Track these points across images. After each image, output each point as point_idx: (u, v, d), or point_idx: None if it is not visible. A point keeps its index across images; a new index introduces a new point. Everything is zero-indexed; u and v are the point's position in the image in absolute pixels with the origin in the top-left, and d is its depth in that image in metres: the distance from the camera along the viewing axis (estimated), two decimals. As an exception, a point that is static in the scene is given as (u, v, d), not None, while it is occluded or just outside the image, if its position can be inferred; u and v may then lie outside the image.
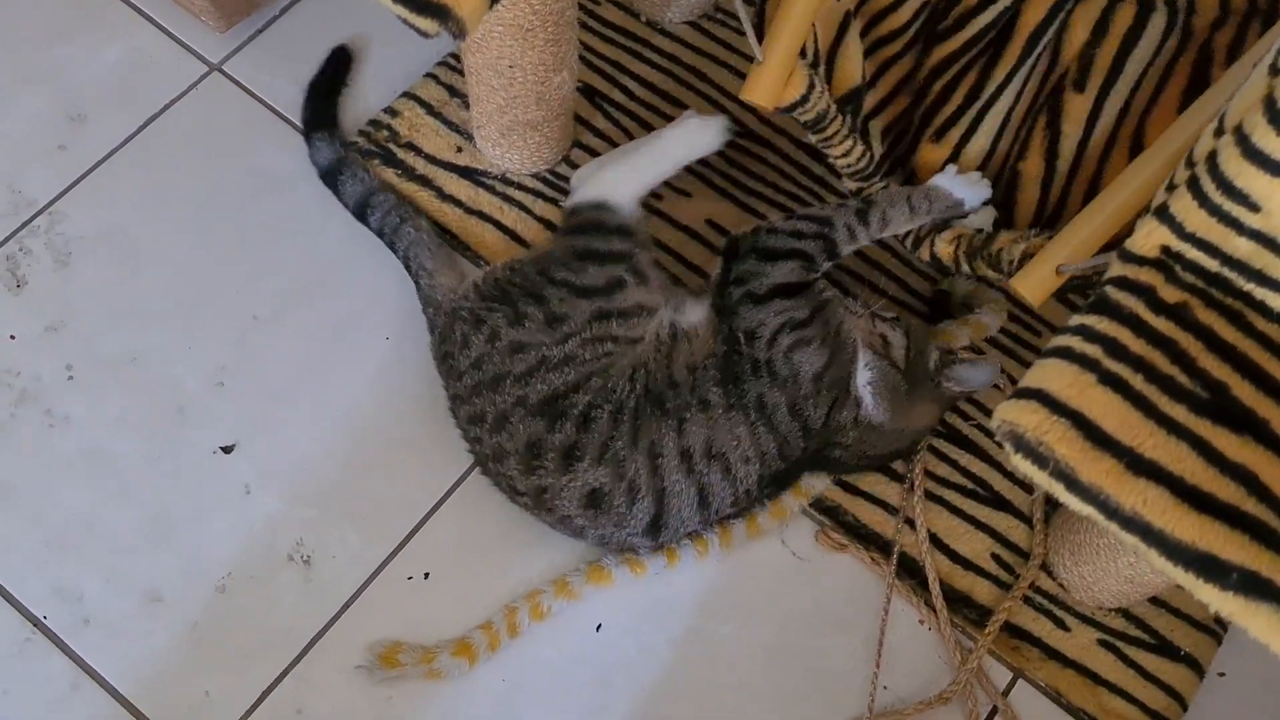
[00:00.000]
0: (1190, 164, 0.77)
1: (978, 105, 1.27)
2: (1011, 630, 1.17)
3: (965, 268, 1.15)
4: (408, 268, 1.25)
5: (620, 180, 1.19)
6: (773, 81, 1.04)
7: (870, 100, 1.24)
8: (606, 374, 1.10)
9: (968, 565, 1.20)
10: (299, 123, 1.37)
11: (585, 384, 1.09)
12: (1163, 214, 0.79)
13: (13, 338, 1.26)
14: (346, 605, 1.15)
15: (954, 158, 1.27)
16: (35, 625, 1.12)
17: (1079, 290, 1.16)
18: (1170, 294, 0.80)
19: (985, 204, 1.22)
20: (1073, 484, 0.75)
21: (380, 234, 1.27)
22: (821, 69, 1.13)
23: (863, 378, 1.12)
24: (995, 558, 1.20)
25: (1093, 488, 0.75)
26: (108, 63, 1.42)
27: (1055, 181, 1.23)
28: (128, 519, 1.17)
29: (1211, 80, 1.18)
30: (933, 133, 1.27)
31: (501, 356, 1.10)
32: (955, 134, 1.27)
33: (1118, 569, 1.08)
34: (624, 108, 1.40)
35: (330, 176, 1.31)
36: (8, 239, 1.31)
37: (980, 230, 1.18)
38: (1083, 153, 1.23)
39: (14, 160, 1.35)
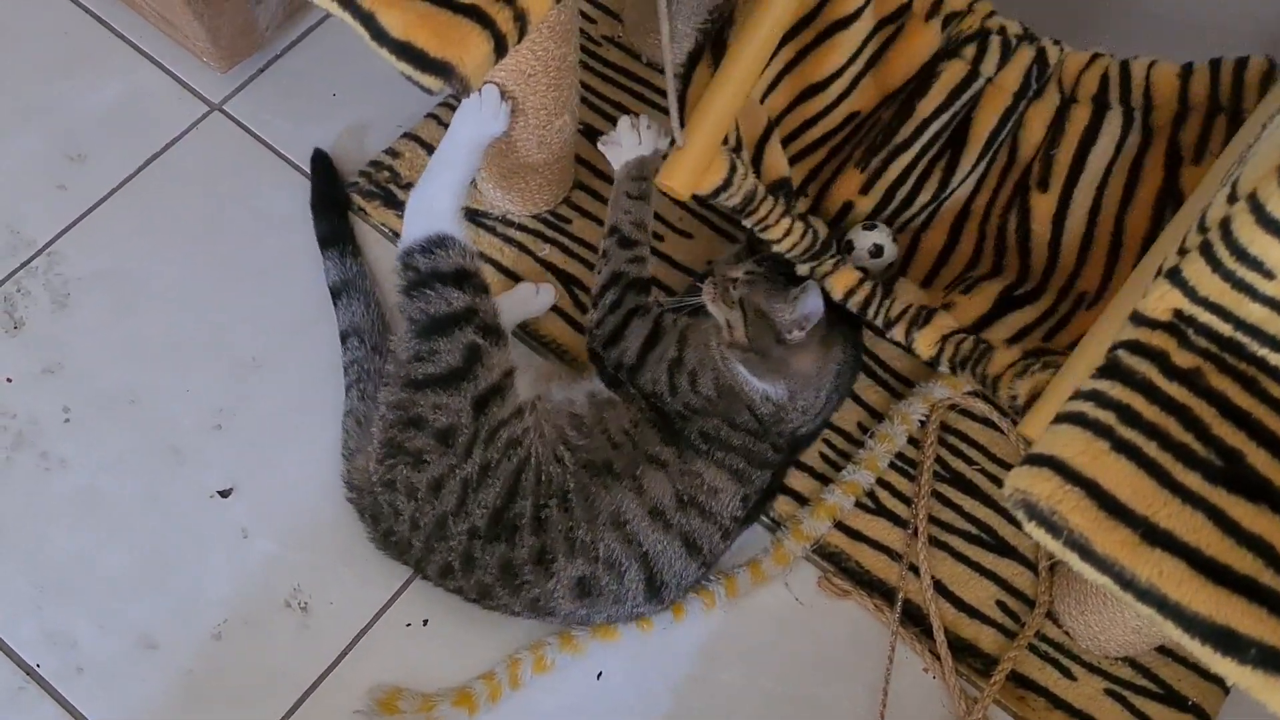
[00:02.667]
0: (1203, 229, 0.76)
1: (938, 201, 1.30)
2: (1017, 679, 1.16)
3: (945, 368, 1.15)
4: (344, 431, 1.20)
5: (434, 197, 1.12)
6: (692, 168, 1.03)
7: (804, 203, 1.27)
8: (528, 467, 1.09)
9: (973, 613, 1.19)
10: (300, 163, 1.37)
11: (518, 487, 1.08)
12: (1175, 277, 0.79)
13: (9, 380, 1.25)
14: (344, 652, 1.14)
15: (913, 246, 1.30)
16: (28, 674, 1.11)
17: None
18: (1183, 359, 0.79)
19: (894, 240, 1.25)
20: (1087, 554, 0.74)
21: (345, 371, 1.22)
22: (746, 154, 1.13)
23: (746, 378, 1.12)
24: (1001, 605, 1.19)
25: (1108, 558, 0.74)
26: (108, 102, 1.41)
27: (1029, 280, 1.25)
28: (123, 563, 1.16)
29: (1182, 178, 1.19)
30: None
31: (429, 502, 1.07)
32: (914, 224, 1.31)
33: (1124, 619, 1.08)
34: (626, 148, 1.39)
35: (334, 295, 1.27)
36: (5, 280, 1.30)
37: (980, 343, 1.16)
38: (1056, 252, 1.24)
39: (12, 200, 1.35)
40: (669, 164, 1.04)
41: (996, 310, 1.19)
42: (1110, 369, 0.80)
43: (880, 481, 1.24)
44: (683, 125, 1.02)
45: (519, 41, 0.89)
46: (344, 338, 1.24)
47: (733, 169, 1.05)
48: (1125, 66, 1.24)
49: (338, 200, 1.33)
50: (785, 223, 1.11)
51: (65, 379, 1.25)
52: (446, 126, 1.37)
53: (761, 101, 1.25)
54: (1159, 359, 0.80)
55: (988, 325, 1.18)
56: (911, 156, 1.28)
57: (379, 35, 0.86)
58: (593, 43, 1.46)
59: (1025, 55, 1.27)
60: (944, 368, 1.14)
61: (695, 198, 1.07)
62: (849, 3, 1.26)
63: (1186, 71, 1.21)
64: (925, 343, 1.14)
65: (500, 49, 0.87)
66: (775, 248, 1.15)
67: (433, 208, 1.11)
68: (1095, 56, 1.26)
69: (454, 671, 1.13)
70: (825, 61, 1.28)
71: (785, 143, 1.29)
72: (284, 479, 1.21)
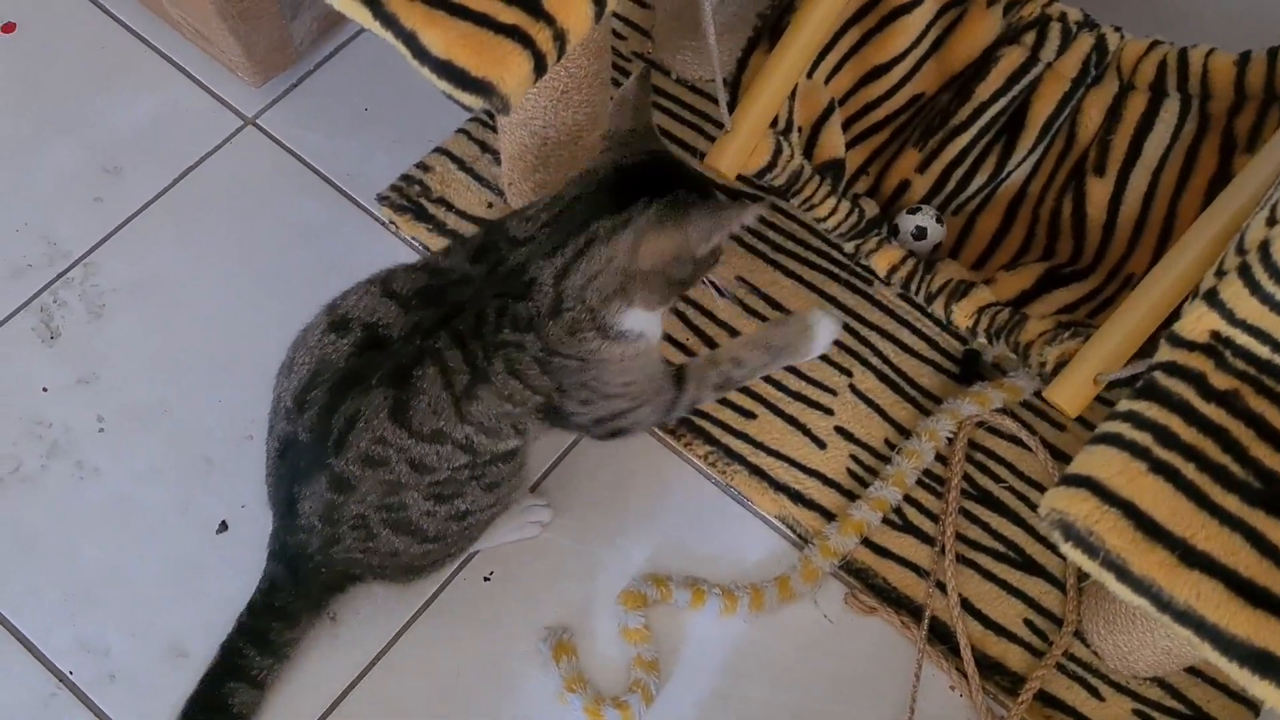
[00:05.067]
0: (1241, 251, 0.76)
1: (994, 184, 1.31)
2: (1045, 698, 1.15)
3: (981, 339, 1.16)
4: None
5: None
6: (738, 150, 1.06)
7: (865, 182, 1.29)
8: None
9: (1000, 631, 1.18)
10: (332, 177, 1.38)
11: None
12: (1212, 299, 0.79)
13: (45, 389, 1.26)
14: (373, 662, 1.14)
15: (967, 228, 1.31)
16: (61, 680, 1.12)
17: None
18: (1220, 380, 0.79)
19: (938, 221, 1.26)
20: (1124, 575, 0.74)
21: None
22: (795, 136, 1.15)
23: None
24: (1028, 623, 1.19)
25: (1145, 580, 0.74)
26: (143, 115, 1.43)
27: (1081, 262, 1.25)
28: (154, 571, 1.17)
29: (1235, 167, 1.19)
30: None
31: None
32: (970, 206, 1.31)
33: (1154, 639, 1.07)
34: (655, 163, 1.40)
35: None
36: (42, 290, 1.32)
37: (1004, 307, 1.18)
38: (1110, 236, 1.24)
39: (49, 212, 1.36)
40: (716, 148, 1.06)
41: (1040, 287, 1.21)
42: (1147, 390, 0.80)
43: (908, 498, 1.23)
44: (730, 112, 1.04)
45: (558, 61, 0.90)
46: None
47: (778, 150, 1.06)
48: (1183, 54, 1.24)
49: None
50: (831, 202, 1.14)
51: (100, 389, 1.26)
52: (477, 142, 1.40)
53: (825, 84, 1.26)
54: (1196, 380, 0.80)
55: (1029, 301, 1.19)
56: (969, 139, 1.30)
57: (420, 54, 0.87)
58: (623, 58, 1.47)
59: (1085, 42, 1.28)
60: (980, 338, 1.16)
61: (741, 178, 1.08)
62: (910, -12, 1.28)
63: (1244, 60, 1.21)
64: (962, 314, 1.16)
65: (540, 68, 0.88)
66: (820, 226, 1.17)
67: None
68: (1154, 44, 1.26)
69: (479, 683, 1.13)
70: (888, 45, 1.30)
71: (849, 124, 1.31)
72: (314, 490, 1.21)
